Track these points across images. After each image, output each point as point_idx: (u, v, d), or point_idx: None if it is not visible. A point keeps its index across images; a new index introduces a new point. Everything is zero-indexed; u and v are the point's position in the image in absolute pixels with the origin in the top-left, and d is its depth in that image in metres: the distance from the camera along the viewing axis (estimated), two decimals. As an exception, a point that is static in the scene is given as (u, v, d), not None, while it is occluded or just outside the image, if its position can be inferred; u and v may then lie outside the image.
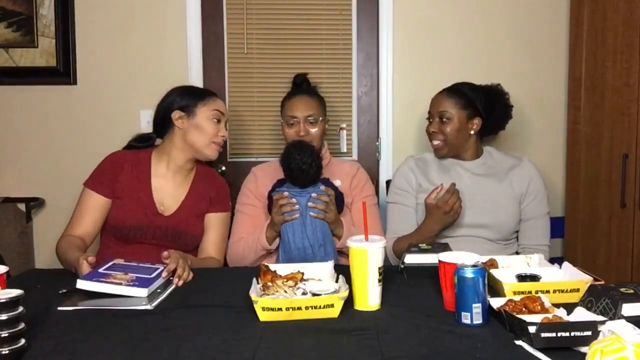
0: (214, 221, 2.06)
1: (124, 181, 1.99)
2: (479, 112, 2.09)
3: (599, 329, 1.12)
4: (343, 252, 1.99)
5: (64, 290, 1.54)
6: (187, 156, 2.03)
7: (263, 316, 1.33)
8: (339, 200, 2.05)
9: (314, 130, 2.15)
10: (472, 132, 2.10)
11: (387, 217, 2.17)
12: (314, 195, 1.97)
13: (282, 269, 1.59)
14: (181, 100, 2.04)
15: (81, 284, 1.51)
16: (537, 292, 1.40)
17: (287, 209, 1.95)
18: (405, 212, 2.12)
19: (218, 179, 2.15)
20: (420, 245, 1.75)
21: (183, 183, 2.05)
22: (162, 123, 2.07)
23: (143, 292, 1.49)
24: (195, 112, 2.02)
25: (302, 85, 2.31)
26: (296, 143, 2.04)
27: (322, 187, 2.00)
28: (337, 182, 2.12)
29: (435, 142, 2.12)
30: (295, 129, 2.15)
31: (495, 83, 2.21)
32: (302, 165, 1.96)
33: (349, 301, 1.39)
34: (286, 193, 1.97)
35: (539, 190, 2.10)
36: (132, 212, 1.95)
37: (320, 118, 2.18)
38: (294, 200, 1.96)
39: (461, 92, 2.10)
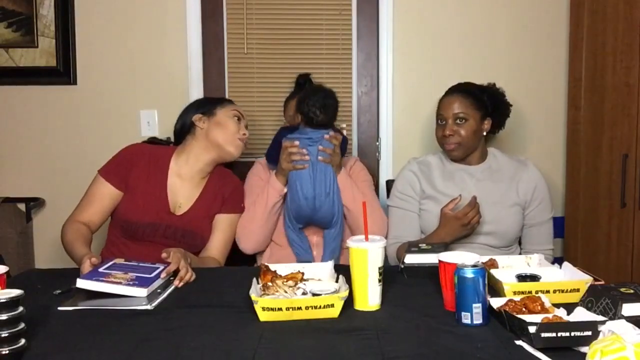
0: (222, 222, 2.04)
1: (138, 175, 1.98)
2: (488, 112, 2.08)
3: (599, 329, 1.12)
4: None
5: (58, 291, 1.54)
6: (212, 155, 2.03)
7: (263, 316, 1.32)
8: (343, 143, 2.08)
9: None
10: (484, 133, 2.08)
11: (388, 221, 2.15)
12: (326, 137, 2.01)
13: (282, 269, 1.59)
14: (200, 107, 2.10)
15: (81, 283, 1.51)
16: (537, 292, 1.39)
17: (297, 157, 1.98)
18: (408, 217, 2.10)
19: (234, 179, 2.13)
20: (420, 245, 1.75)
21: (199, 184, 2.04)
22: (182, 130, 2.10)
23: (142, 292, 1.48)
24: (215, 113, 2.06)
25: (304, 86, 2.31)
26: (313, 87, 2.13)
27: (331, 133, 2.03)
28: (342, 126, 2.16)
29: (450, 145, 2.04)
30: None
31: (491, 83, 2.18)
32: (312, 107, 2.01)
33: (349, 301, 1.39)
34: (297, 142, 1.98)
35: (544, 197, 2.07)
36: (144, 208, 1.94)
37: None
38: (304, 150, 1.98)
39: (472, 93, 2.07)
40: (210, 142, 2.02)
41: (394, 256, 2.06)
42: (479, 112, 2.05)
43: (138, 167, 1.99)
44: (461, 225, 1.89)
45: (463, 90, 2.08)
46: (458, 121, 2.03)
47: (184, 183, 2.02)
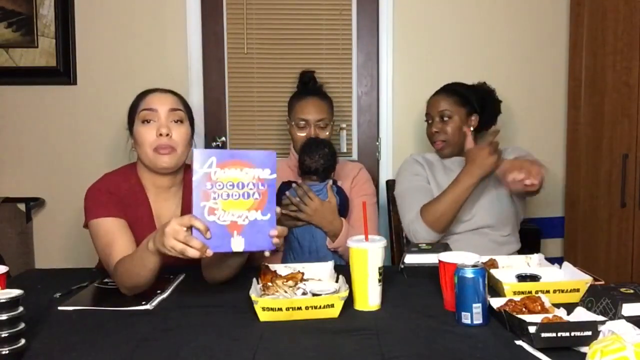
0: None
1: (125, 208, 1.68)
2: (475, 108, 2.15)
3: (599, 329, 1.12)
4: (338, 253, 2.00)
5: (59, 295, 1.54)
6: (156, 175, 1.74)
7: (263, 316, 1.32)
8: (343, 205, 2.04)
9: (324, 134, 2.16)
10: (471, 128, 2.14)
11: (404, 204, 2.09)
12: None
13: (282, 269, 1.59)
14: (128, 116, 1.75)
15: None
16: (537, 292, 1.39)
17: (294, 208, 1.98)
18: (423, 188, 2.10)
19: None
20: (420, 245, 1.75)
21: (176, 194, 1.80)
22: None
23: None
24: (134, 127, 1.71)
25: (309, 84, 2.30)
26: (312, 139, 2.08)
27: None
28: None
29: (438, 143, 2.15)
30: (305, 132, 2.14)
31: (481, 82, 2.25)
32: (309, 161, 2.00)
33: (349, 301, 1.39)
34: (295, 199, 1.98)
35: (528, 154, 2.13)
36: (139, 240, 1.59)
37: (332, 122, 2.19)
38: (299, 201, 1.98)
39: (456, 91, 2.16)
40: (142, 164, 1.73)
41: (417, 220, 1.99)
42: (462, 109, 2.13)
43: (120, 197, 1.70)
44: (489, 154, 1.91)
45: (447, 89, 2.18)
46: (444, 118, 2.12)
47: (159, 198, 1.77)
